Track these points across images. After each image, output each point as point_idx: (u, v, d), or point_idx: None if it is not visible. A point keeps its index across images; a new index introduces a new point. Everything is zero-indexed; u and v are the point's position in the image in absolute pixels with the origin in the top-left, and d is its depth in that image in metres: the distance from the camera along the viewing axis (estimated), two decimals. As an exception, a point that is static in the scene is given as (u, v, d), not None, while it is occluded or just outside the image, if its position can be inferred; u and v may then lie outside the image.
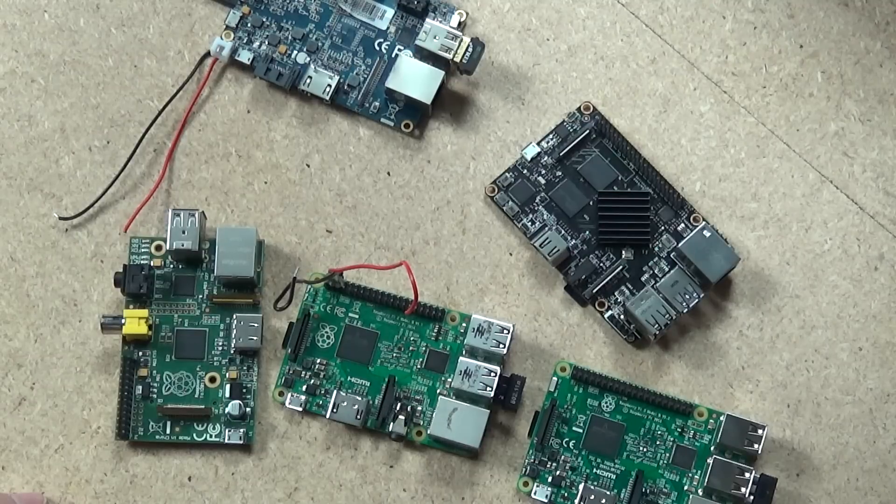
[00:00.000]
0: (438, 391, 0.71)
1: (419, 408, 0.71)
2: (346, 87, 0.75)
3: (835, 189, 0.74)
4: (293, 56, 0.75)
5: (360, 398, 0.70)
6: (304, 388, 0.71)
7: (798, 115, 0.75)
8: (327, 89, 0.74)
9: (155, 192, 0.73)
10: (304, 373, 0.71)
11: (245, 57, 0.75)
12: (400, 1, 0.75)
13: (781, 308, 0.73)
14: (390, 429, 0.69)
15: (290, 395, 0.71)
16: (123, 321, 0.70)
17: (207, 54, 0.75)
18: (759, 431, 0.69)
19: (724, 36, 0.76)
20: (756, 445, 0.69)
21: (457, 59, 0.73)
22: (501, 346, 0.69)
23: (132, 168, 0.74)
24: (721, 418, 0.70)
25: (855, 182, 0.74)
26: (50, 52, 0.75)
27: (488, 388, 0.69)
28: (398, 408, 0.70)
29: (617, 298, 0.72)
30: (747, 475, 0.68)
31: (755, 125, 0.75)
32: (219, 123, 0.75)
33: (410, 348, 0.72)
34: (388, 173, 0.74)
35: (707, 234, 0.71)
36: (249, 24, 0.75)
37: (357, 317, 0.72)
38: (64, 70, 0.75)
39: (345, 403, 0.69)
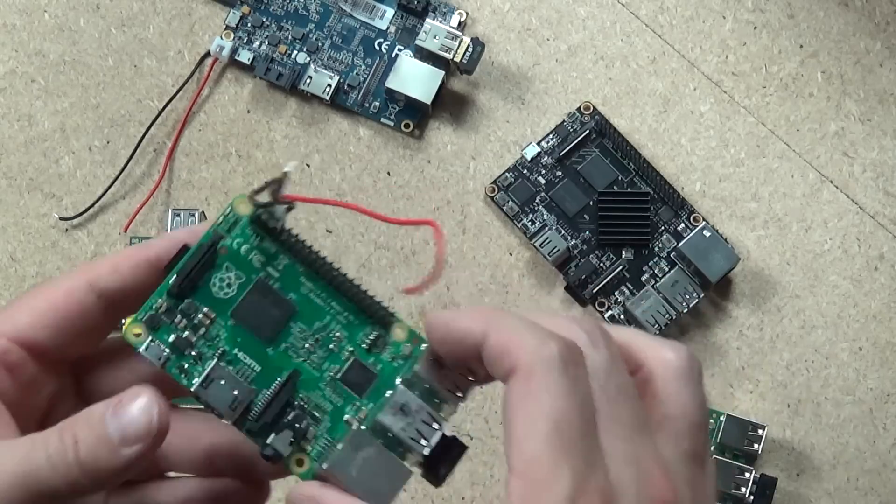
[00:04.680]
0: (346, 418, 0.50)
1: (312, 428, 0.50)
2: (346, 87, 0.75)
3: (835, 189, 0.74)
4: (293, 56, 0.75)
5: (244, 382, 0.49)
6: (170, 338, 0.49)
7: (798, 115, 0.75)
8: (327, 89, 0.74)
9: (155, 192, 0.74)
10: (178, 318, 0.49)
11: (245, 57, 0.75)
12: (400, 1, 0.75)
13: (781, 308, 0.73)
14: (268, 441, 0.48)
15: (150, 339, 0.49)
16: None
17: (207, 54, 0.75)
18: (759, 431, 0.69)
19: (724, 36, 0.76)
20: (756, 445, 0.69)
21: (457, 59, 0.73)
22: (459, 393, 0.48)
23: (132, 168, 0.74)
24: (721, 418, 0.70)
25: (855, 182, 0.74)
26: (50, 52, 0.75)
27: (423, 443, 0.47)
28: (290, 417, 0.49)
29: (617, 298, 0.72)
30: (747, 475, 0.68)
31: (755, 125, 0.75)
32: (219, 123, 0.75)
33: (331, 346, 0.50)
34: (388, 173, 0.74)
35: (707, 234, 0.71)
36: (249, 24, 0.75)
37: (277, 275, 0.50)
38: (64, 70, 0.75)
39: (222, 382, 0.49)
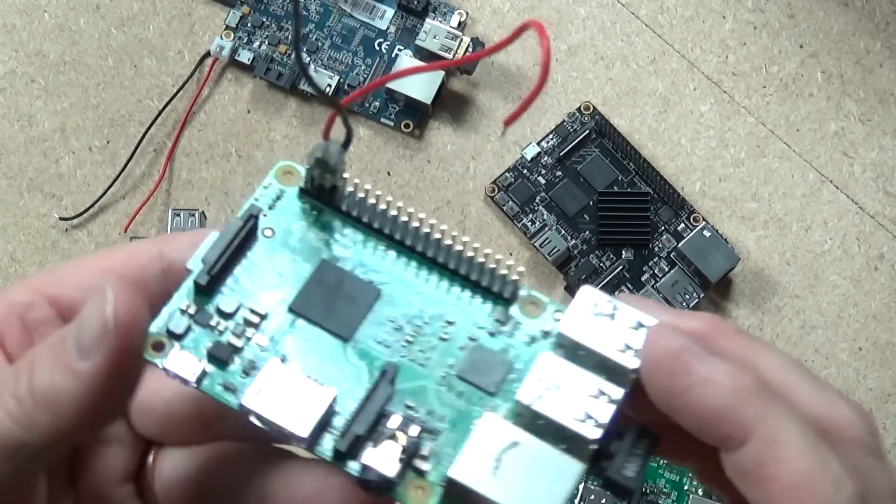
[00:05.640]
0: (479, 424, 0.33)
1: (430, 443, 0.33)
2: (346, 87, 0.75)
3: (835, 189, 0.74)
4: (293, 56, 0.75)
5: (318, 384, 0.33)
6: (207, 345, 0.34)
7: (798, 115, 0.75)
8: (327, 89, 0.74)
9: (155, 192, 0.73)
10: (215, 319, 0.35)
11: (245, 57, 0.75)
12: (400, 1, 0.75)
13: (781, 308, 0.73)
14: (362, 460, 0.32)
15: (174, 349, 0.34)
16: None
17: (207, 54, 0.75)
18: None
19: (724, 36, 0.76)
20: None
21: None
22: (632, 352, 0.33)
23: (132, 168, 0.74)
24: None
25: (855, 182, 0.74)
26: (50, 52, 0.75)
27: (591, 422, 0.32)
28: (392, 424, 0.33)
29: (617, 298, 0.72)
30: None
31: (755, 125, 0.75)
32: (219, 123, 0.75)
33: (440, 334, 0.35)
34: (388, 173, 0.74)
35: (707, 234, 0.71)
36: (249, 24, 0.75)
37: (347, 255, 0.37)
38: (64, 70, 0.75)
39: (284, 381, 0.33)
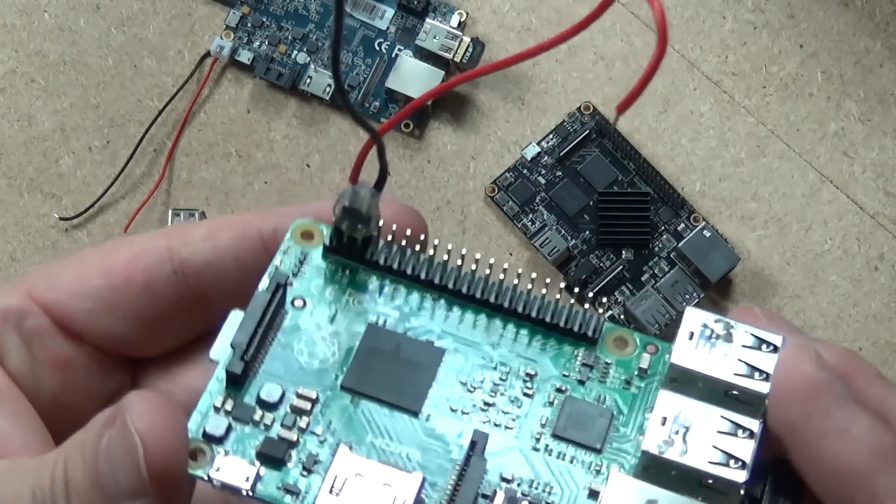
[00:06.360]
0: (590, 487, 0.30)
1: None
2: (346, 87, 0.75)
3: (835, 189, 0.74)
4: (293, 56, 0.75)
5: (399, 469, 0.29)
6: (254, 444, 0.30)
7: (798, 115, 0.75)
8: (327, 89, 0.74)
9: (155, 192, 0.74)
10: (259, 413, 0.30)
11: (245, 57, 0.75)
12: (400, 1, 0.75)
13: (781, 308, 0.73)
14: None
15: (219, 455, 0.30)
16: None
17: (207, 54, 0.75)
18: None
19: (724, 36, 0.76)
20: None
21: (457, 59, 0.73)
22: (760, 377, 0.29)
23: (132, 168, 0.74)
24: (721, 418, 0.69)
25: (855, 182, 0.74)
26: (50, 52, 0.75)
27: (734, 464, 0.28)
28: (497, 502, 0.30)
29: (617, 298, 0.72)
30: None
31: (755, 125, 0.75)
32: (219, 123, 0.75)
33: (524, 391, 0.31)
34: (388, 173, 0.74)
35: (707, 234, 0.71)
36: (249, 24, 0.75)
37: (396, 315, 0.32)
38: (64, 70, 0.75)
39: (359, 472, 0.29)
